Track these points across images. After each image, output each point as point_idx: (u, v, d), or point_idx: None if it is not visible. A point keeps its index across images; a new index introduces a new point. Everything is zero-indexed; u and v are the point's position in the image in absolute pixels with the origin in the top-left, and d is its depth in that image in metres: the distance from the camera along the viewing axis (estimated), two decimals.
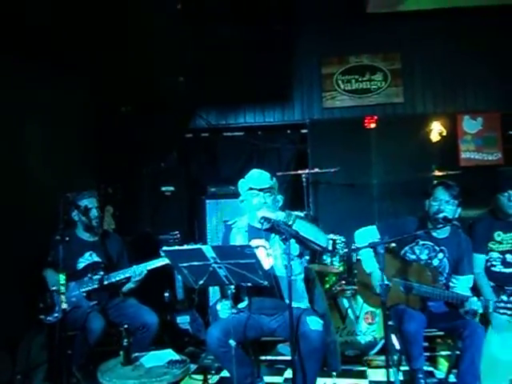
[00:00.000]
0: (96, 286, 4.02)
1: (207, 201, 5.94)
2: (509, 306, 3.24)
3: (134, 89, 5.85)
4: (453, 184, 3.72)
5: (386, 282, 3.21)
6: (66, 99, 5.11)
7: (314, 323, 3.25)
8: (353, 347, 4.59)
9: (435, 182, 3.92)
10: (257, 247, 3.53)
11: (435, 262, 3.74)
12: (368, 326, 4.61)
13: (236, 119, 6.59)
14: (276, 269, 3.46)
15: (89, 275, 4.05)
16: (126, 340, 3.32)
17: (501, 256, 3.99)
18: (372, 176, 5.86)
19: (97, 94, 5.64)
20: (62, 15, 4.47)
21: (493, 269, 4.00)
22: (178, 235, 4.27)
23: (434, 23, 6.20)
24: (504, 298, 3.30)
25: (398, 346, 3.79)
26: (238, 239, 3.62)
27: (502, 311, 3.27)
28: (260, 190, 3.51)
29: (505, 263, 3.98)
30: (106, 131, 5.77)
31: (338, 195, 6.12)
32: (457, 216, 3.68)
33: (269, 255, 3.52)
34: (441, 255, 3.74)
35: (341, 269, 4.90)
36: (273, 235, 3.54)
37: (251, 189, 3.53)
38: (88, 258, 4.17)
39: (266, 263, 3.48)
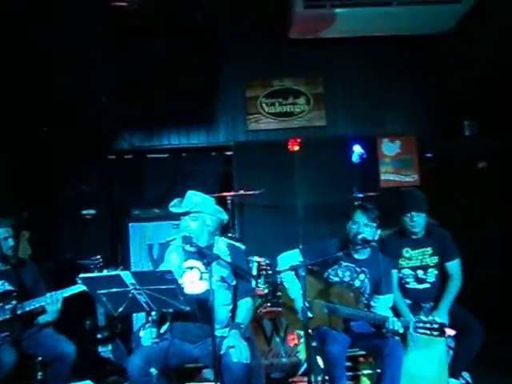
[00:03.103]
0: (8, 316, 3.80)
1: (130, 224, 5.80)
2: (428, 326, 3.34)
3: (55, 109, 5.69)
4: (371, 207, 3.82)
5: (307, 306, 3.23)
6: None
7: (237, 354, 3.19)
8: (278, 369, 4.58)
9: (355, 204, 4.01)
10: (190, 268, 3.50)
11: (357, 283, 3.81)
12: (293, 348, 4.61)
13: (160, 141, 6.50)
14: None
15: (0, 305, 3.82)
16: (40, 373, 3.16)
17: (412, 272, 4.13)
18: (296, 198, 5.92)
19: (16, 114, 5.43)
20: None
21: (407, 286, 4.13)
22: (100, 260, 4.11)
23: (355, 50, 6.44)
24: (423, 318, 3.40)
25: (322, 366, 3.82)
26: (172, 257, 3.55)
27: (421, 331, 3.37)
28: (178, 213, 3.48)
29: (417, 280, 4.12)
30: (24, 152, 5.56)
31: (262, 217, 6.18)
32: (376, 238, 3.78)
33: (202, 279, 3.46)
34: (362, 276, 3.82)
35: (266, 291, 4.90)
36: None
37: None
38: None
39: (199, 286, 3.44)
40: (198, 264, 3.51)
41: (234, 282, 3.55)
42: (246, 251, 3.87)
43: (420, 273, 4.12)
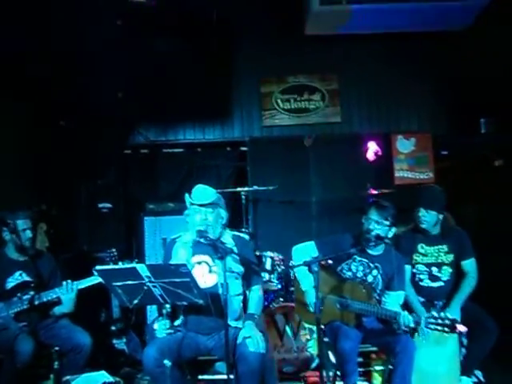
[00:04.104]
0: (25, 307, 3.85)
1: (145, 218, 5.86)
2: (439, 321, 3.34)
3: (73, 104, 5.75)
4: (387, 205, 3.81)
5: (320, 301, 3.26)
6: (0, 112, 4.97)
7: (253, 344, 3.22)
8: (290, 364, 4.61)
9: (371, 200, 4.01)
10: (199, 263, 3.53)
11: (369, 279, 3.82)
12: (305, 343, 4.63)
13: (176, 136, 6.54)
14: (219, 286, 3.43)
15: (18, 295, 3.88)
16: (56, 362, 3.22)
17: (427, 269, 4.12)
18: (310, 194, 5.95)
19: (33, 108, 5.50)
20: None
21: (421, 284, 4.12)
22: (115, 253, 4.17)
23: (370, 46, 6.42)
24: (435, 313, 3.41)
25: (334, 361, 3.84)
26: (180, 254, 3.58)
27: (432, 327, 3.38)
28: (201, 205, 3.51)
29: (432, 277, 4.11)
30: (42, 146, 5.63)
31: (277, 213, 6.18)
32: (390, 235, 3.77)
33: (212, 272, 3.50)
34: (375, 272, 3.83)
35: (279, 286, 4.93)
36: None
37: (192, 204, 3.53)
38: (17, 278, 3.99)
39: (209, 280, 3.47)
40: (206, 258, 3.54)
41: (243, 272, 3.58)
42: (250, 241, 3.90)
43: (434, 270, 4.11)
